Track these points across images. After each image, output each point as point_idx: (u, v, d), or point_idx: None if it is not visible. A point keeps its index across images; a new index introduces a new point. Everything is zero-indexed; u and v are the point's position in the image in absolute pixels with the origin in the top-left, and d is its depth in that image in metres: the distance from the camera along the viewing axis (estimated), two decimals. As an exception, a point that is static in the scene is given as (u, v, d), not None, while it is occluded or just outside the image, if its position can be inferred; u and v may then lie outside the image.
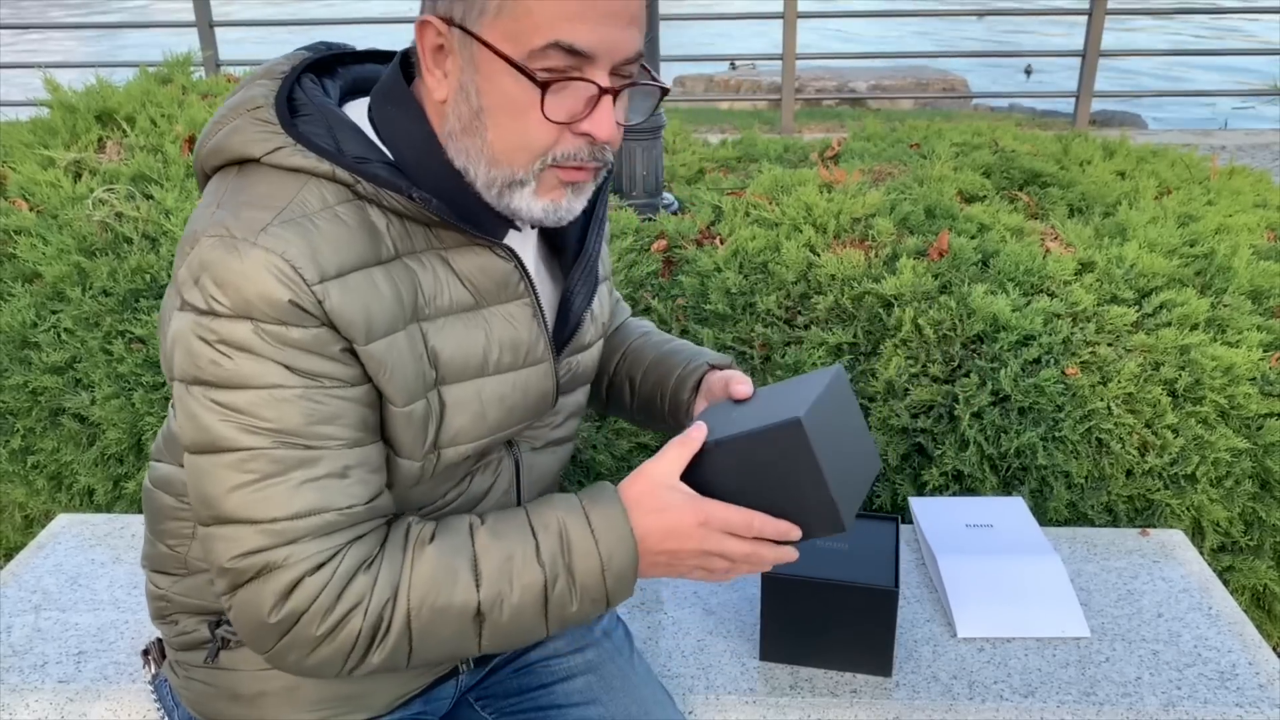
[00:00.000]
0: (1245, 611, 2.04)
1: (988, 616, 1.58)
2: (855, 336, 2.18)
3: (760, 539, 1.03)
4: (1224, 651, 1.52)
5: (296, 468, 0.92)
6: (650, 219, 2.82)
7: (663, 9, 2.99)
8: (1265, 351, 2.05)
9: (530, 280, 1.06)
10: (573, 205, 1.01)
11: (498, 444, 1.11)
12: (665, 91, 1.05)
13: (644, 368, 1.35)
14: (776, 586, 1.46)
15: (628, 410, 1.40)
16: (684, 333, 2.37)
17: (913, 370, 2.10)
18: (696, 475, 1.05)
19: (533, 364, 1.09)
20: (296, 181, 0.94)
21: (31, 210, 2.43)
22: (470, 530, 1.00)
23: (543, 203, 0.98)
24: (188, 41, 8.07)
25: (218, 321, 0.91)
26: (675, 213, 2.96)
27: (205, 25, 7.61)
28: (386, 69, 1.04)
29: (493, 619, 0.98)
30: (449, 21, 0.92)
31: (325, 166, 0.94)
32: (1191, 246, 2.34)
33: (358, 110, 1.03)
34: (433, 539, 0.99)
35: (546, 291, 1.14)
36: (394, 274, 0.97)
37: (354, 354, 0.95)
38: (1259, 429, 2.00)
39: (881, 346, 2.15)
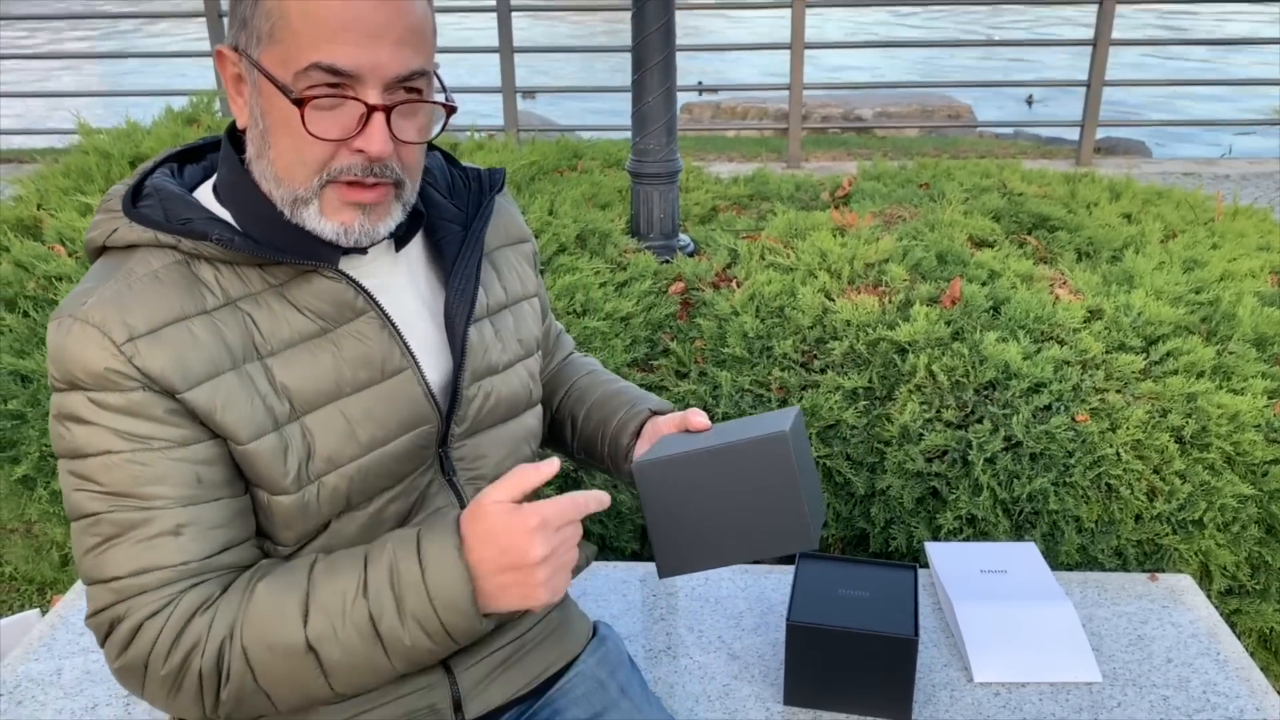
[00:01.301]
0: (1252, 654, 2.10)
1: (1003, 661, 1.63)
2: (870, 381, 2.25)
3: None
4: (1232, 697, 1.58)
5: (131, 529, 0.99)
6: (667, 261, 2.89)
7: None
8: (1270, 399, 2.11)
9: (370, 295, 1.08)
10: (373, 228, 1.04)
11: (390, 464, 1.10)
12: (451, 109, 1.07)
13: (587, 407, 1.37)
14: (800, 634, 1.52)
15: (568, 448, 1.42)
16: (702, 375, 2.43)
17: (927, 415, 2.16)
18: (667, 488, 1.10)
19: (393, 374, 1.10)
20: (126, 256, 1.04)
21: (70, 256, 2.51)
22: (310, 567, 1.04)
23: (332, 224, 1.03)
24: (202, 69, 8.17)
25: (58, 396, 1.01)
26: (691, 254, 3.03)
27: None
28: None
29: (326, 654, 0.99)
30: (237, 50, 1.01)
31: (148, 235, 1.03)
32: (1197, 294, 2.40)
33: (208, 186, 1.11)
34: (267, 577, 1.03)
35: (438, 318, 1.16)
36: (219, 320, 1.03)
37: (183, 413, 1.00)
38: (1264, 475, 2.06)
39: (896, 391, 2.22)
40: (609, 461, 1.34)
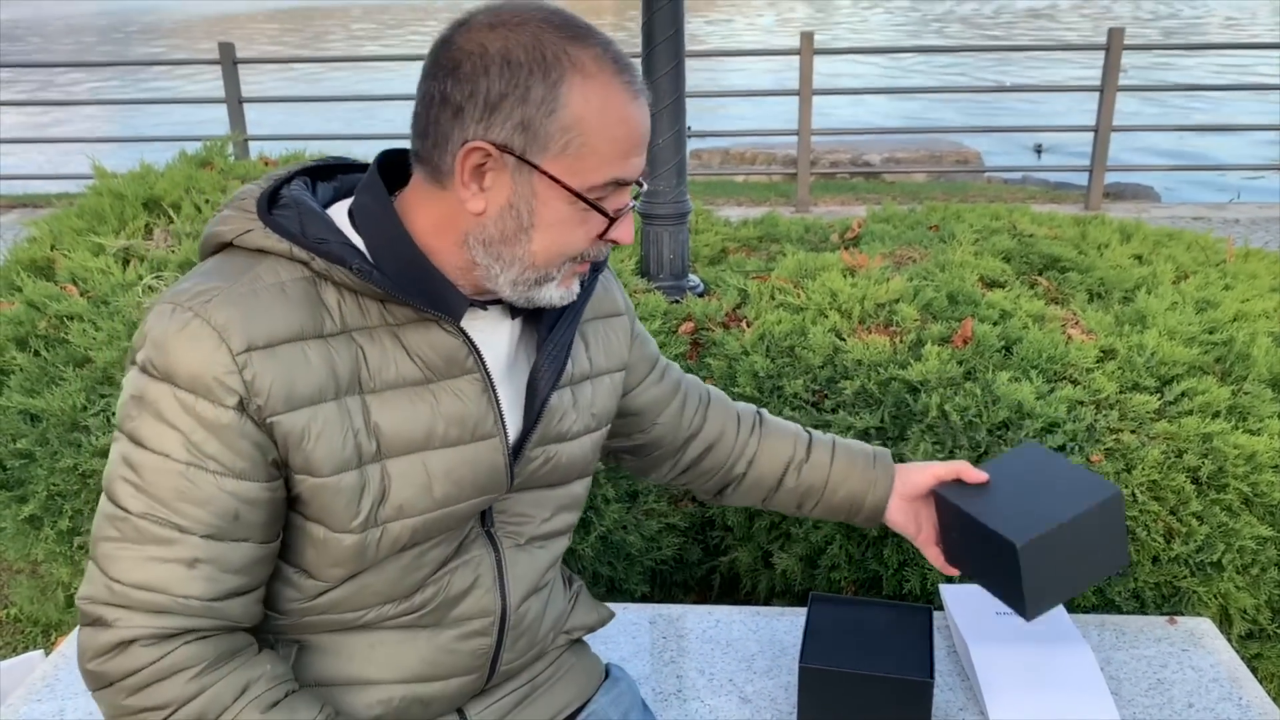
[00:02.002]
0: (1275, 700, 2.05)
1: (1020, 705, 1.60)
2: (882, 421, 2.23)
3: None
4: (1256, 744, 1.54)
5: (151, 543, 0.98)
6: (677, 301, 2.89)
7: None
8: (1287, 439, 2.09)
9: (480, 356, 1.10)
10: (577, 287, 1.13)
11: (451, 522, 1.12)
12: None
13: (821, 495, 1.51)
14: (812, 677, 1.49)
15: (790, 511, 1.55)
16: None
17: (940, 456, 2.14)
18: (1044, 554, 1.37)
19: (481, 439, 1.11)
20: (254, 259, 1.03)
21: (82, 296, 2.52)
22: None
23: (560, 291, 1.09)
24: (216, 115, 8.28)
25: (144, 379, 0.99)
26: (701, 294, 3.03)
27: (235, 101, 7.83)
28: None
29: None
30: (504, 149, 1.00)
31: (284, 246, 1.02)
32: (1211, 334, 2.39)
33: (342, 207, 1.11)
34: (267, 710, 1.02)
35: (523, 373, 1.17)
36: (333, 347, 1.03)
37: (255, 445, 1.00)
38: (1283, 516, 2.03)
39: (908, 432, 2.20)
40: (853, 516, 1.52)
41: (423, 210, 1.06)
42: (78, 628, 1.03)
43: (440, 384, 1.09)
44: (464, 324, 1.10)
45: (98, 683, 1.01)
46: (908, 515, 1.49)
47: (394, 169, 1.12)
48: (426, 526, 1.09)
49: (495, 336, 1.15)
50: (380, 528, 1.06)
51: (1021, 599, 1.40)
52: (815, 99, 7.58)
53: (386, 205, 1.07)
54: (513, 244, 1.04)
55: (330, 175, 1.17)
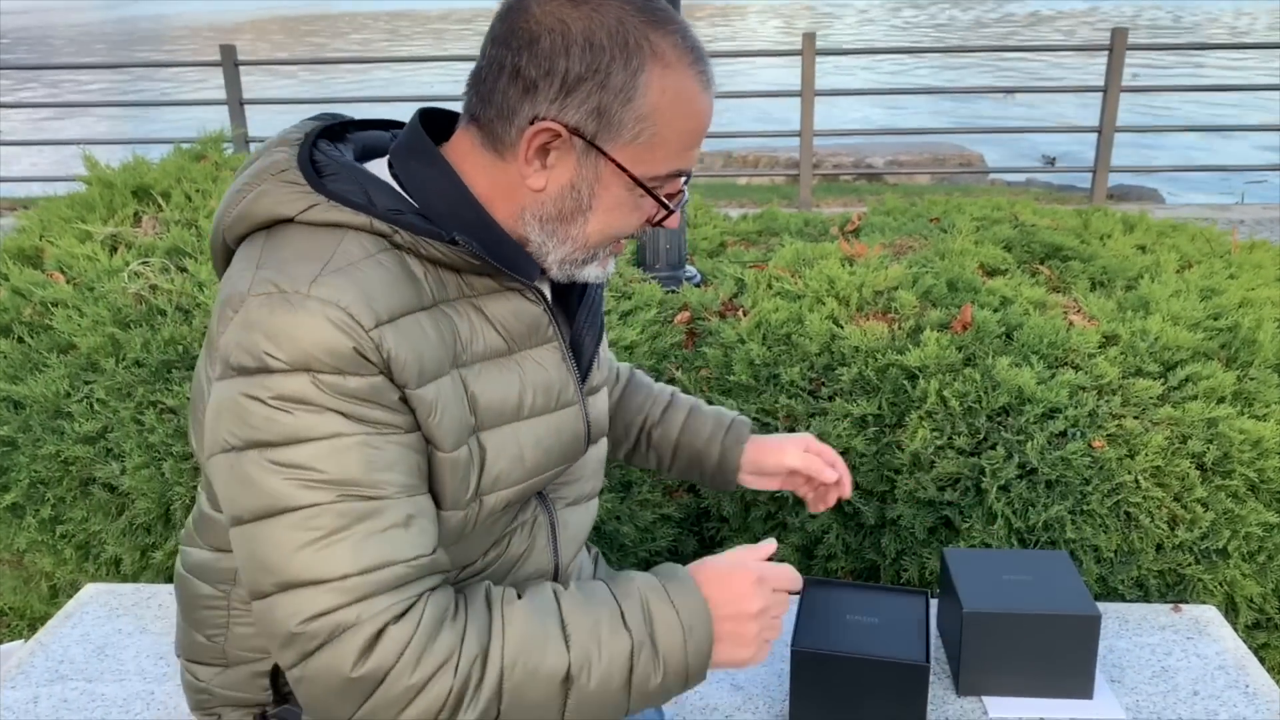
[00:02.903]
0: (1282, 690, 2.00)
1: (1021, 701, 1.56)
2: (880, 408, 2.19)
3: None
4: (1263, 731, 1.50)
5: (361, 520, 0.92)
6: (673, 291, 2.85)
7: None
8: (1293, 425, 2.04)
9: (559, 323, 1.10)
10: (611, 269, 1.13)
11: (534, 490, 1.12)
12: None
13: (675, 439, 1.51)
14: (806, 661, 1.45)
15: (639, 446, 1.54)
16: (709, 404, 2.38)
17: (938, 443, 2.10)
18: (991, 633, 1.50)
19: (564, 406, 1.11)
20: (334, 235, 0.97)
21: (68, 283, 2.48)
22: (555, 594, 1.01)
23: (598, 270, 1.10)
24: (219, 118, 8.27)
25: (273, 378, 0.91)
26: (698, 285, 2.99)
27: (236, 103, 7.82)
28: (401, 131, 1.09)
29: (580, 684, 0.96)
30: (575, 132, 0.98)
31: (362, 219, 0.97)
32: (1215, 320, 2.34)
33: (378, 169, 1.07)
34: (520, 597, 1.00)
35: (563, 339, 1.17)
36: (436, 319, 1.00)
37: (405, 401, 0.97)
38: (1290, 503, 1.98)
39: (906, 419, 2.16)
40: (707, 471, 1.51)
41: (478, 176, 1.04)
42: (303, 662, 0.92)
43: (523, 353, 1.08)
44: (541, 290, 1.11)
45: (364, 691, 0.91)
46: (764, 483, 1.53)
47: (425, 127, 1.09)
48: (519, 495, 1.09)
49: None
50: (479, 501, 1.05)
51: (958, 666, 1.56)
52: (819, 106, 7.55)
53: (447, 170, 1.03)
54: (569, 223, 1.03)
55: (339, 135, 1.12)
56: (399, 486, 0.95)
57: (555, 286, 1.18)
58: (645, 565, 2.39)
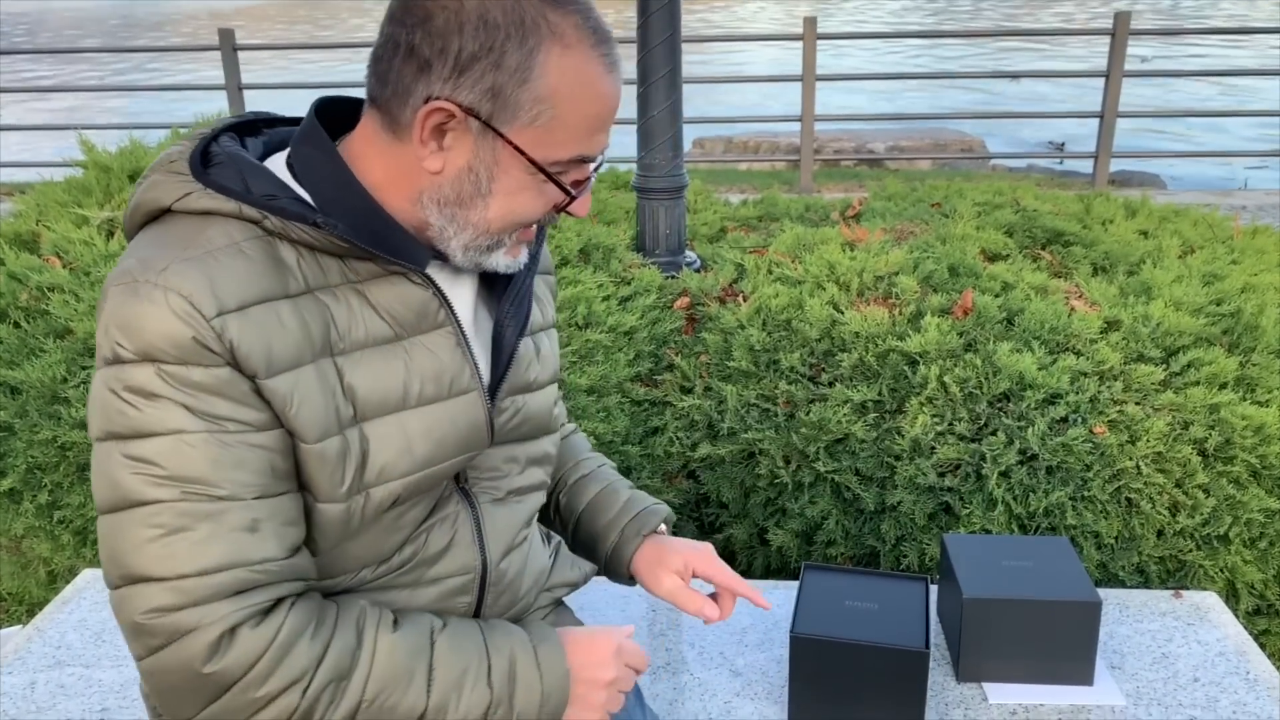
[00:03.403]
0: (1283, 676, 2.00)
1: (1021, 687, 1.55)
2: (880, 394, 2.18)
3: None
4: (1264, 718, 1.49)
5: (202, 520, 0.91)
6: (673, 276, 2.84)
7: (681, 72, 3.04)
8: (1296, 411, 2.03)
9: (451, 308, 1.06)
10: (524, 255, 1.09)
11: (433, 482, 1.08)
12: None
13: (589, 499, 1.38)
14: (805, 648, 1.44)
15: (549, 517, 1.43)
16: (707, 390, 2.37)
17: (939, 428, 2.09)
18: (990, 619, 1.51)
19: (459, 394, 1.06)
20: (202, 223, 0.95)
21: (64, 267, 2.47)
22: (431, 632, 1.01)
23: (508, 259, 1.05)
24: (218, 102, 8.23)
25: (124, 369, 0.91)
26: (697, 270, 2.97)
27: (235, 88, 7.79)
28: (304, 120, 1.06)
29: None
30: (470, 112, 0.95)
31: (231, 205, 0.95)
32: (1218, 305, 2.33)
33: (278, 161, 1.05)
34: (395, 628, 0.99)
35: (485, 329, 1.14)
36: (303, 308, 0.97)
37: (259, 394, 0.94)
38: (1292, 489, 1.98)
39: (907, 404, 2.15)
40: (601, 557, 1.38)
41: (376, 160, 1.01)
42: (151, 656, 0.91)
43: (412, 340, 1.04)
44: (432, 275, 1.05)
45: (215, 693, 0.91)
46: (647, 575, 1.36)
47: (330, 117, 1.06)
48: (409, 489, 1.04)
49: (459, 289, 1.10)
50: (364, 494, 1.01)
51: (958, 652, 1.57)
52: (820, 91, 7.52)
53: (333, 155, 1.01)
54: (468, 208, 1.00)
55: (255, 131, 1.10)
56: (246, 487, 0.93)
57: (490, 273, 1.15)
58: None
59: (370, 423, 1.01)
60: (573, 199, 1.02)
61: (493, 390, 1.12)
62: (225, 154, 1.00)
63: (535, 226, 1.06)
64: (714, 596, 1.32)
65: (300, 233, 0.97)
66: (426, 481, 1.06)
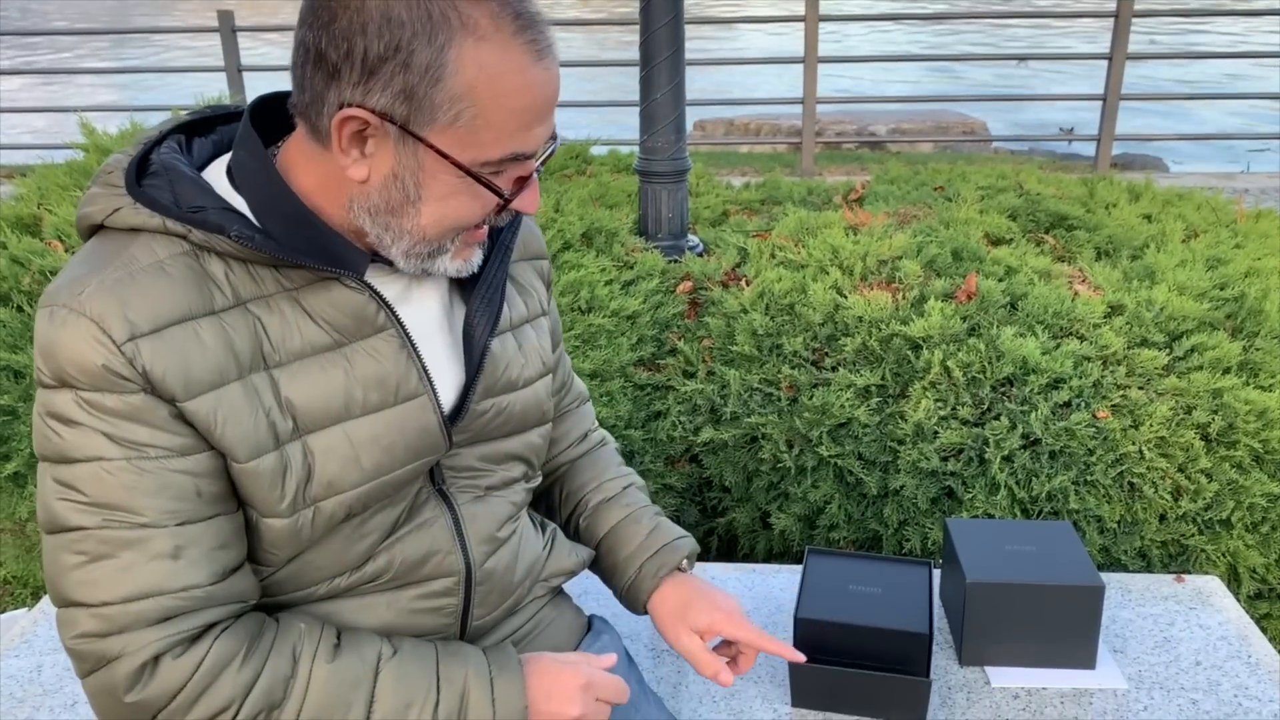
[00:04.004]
0: (1284, 660, 2.01)
1: (1023, 671, 1.56)
2: (883, 378, 2.18)
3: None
4: (1265, 701, 1.50)
5: (124, 548, 0.90)
6: (675, 261, 2.83)
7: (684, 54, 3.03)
8: (1299, 395, 2.04)
9: (393, 311, 1.01)
10: (477, 258, 1.04)
11: (389, 490, 1.04)
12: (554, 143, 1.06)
13: (612, 527, 1.34)
14: (808, 629, 1.45)
15: (562, 524, 1.39)
16: (710, 374, 2.37)
17: (942, 413, 2.09)
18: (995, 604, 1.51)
19: (406, 399, 1.02)
20: (126, 240, 0.93)
21: (66, 251, 2.47)
22: (377, 661, 0.99)
23: (456, 263, 1.01)
24: (218, 85, 8.21)
25: (47, 395, 0.90)
26: (700, 254, 2.97)
27: (234, 70, 7.76)
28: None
29: None
30: (385, 117, 0.90)
31: (156, 221, 0.92)
32: (1221, 290, 2.33)
33: (220, 165, 1.01)
34: (333, 659, 0.97)
35: (456, 328, 1.10)
36: (228, 324, 0.94)
37: (182, 418, 0.92)
38: (1294, 474, 1.98)
39: (910, 389, 2.15)
40: (618, 589, 1.34)
41: (307, 167, 0.96)
42: (86, 679, 0.92)
43: (352, 346, 0.99)
44: (378, 281, 1.01)
45: (145, 718, 0.91)
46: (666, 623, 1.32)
47: (275, 115, 1.01)
48: (362, 499, 1.01)
49: (416, 288, 1.06)
50: (311, 507, 0.98)
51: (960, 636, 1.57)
52: (822, 74, 7.49)
53: (264, 160, 0.97)
54: (399, 215, 0.95)
55: (209, 127, 1.05)
56: (167, 514, 0.91)
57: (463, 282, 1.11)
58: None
59: (313, 435, 0.98)
60: (507, 202, 0.97)
61: (465, 392, 1.08)
62: (160, 164, 0.97)
63: (484, 228, 1.01)
64: (726, 644, 1.29)
65: (225, 244, 0.93)
66: (379, 490, 1.03)
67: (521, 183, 0.98)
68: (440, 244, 0.98)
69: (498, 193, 0.95)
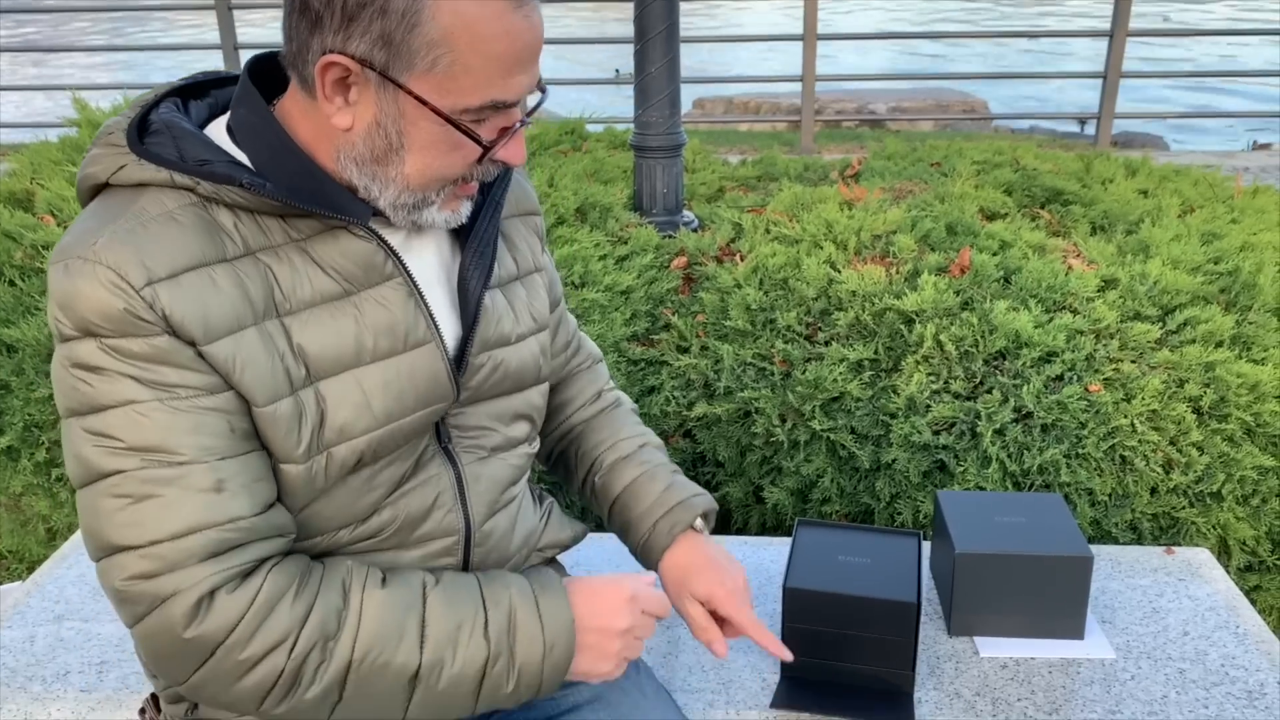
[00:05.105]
0: (1274, 631, 2.01)
1: (1011, 641, 1.57)
2: (876, 353, 2.18)
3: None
4: (1252, 670, 1.50)
5: (166, 486, 0.91)
6: (670, 236, 2.83)
7: (680, 31, 3.01)
8: (1291, 369, 2.03)
9: (400, 259, 1.03)
10: (465, 209, 1.06)
11: (400, 438, 1.06)
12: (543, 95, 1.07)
13: (613, 499, 1.34)
14: (796, 599, 1.45)
15: (575, 486, 1.41)
16: (704, 349, 2.37)
17: (934, 387, 2.09)
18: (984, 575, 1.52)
19: (415, 346, 1.05)
20: (134, 195, 0.95)
21: (59, 226, 2.46)
22: (423, 588, 1.01)
23: (444, 214, 1.03)
24: (214, 63, 8.16)
25: (69, 346, 0.91)
26: (695, 230, 2.96)
27: (230, 48, 7.72)
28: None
29: (428, 684, 0.97)
30: (365, 63, 0.92)
31: (163, 174, 0.94)
32: (1216, 264, 2.33)
33: (220, 124, 1.03)
34: (383, 586, 0.99)
35: (452, 281, 1.12)
36: (241, 271, 0.96)
37: (204, 359, 0.93)
38: (1286, 447, 1.98)
39: (903, 363, 2.15)
40: (632, 545, 1.35)
41: (302, 120, 0.99)
42: (138, 624, 0.93)
43: (362, 294, 1.02)
44: (380, 229, 1.03)
45: (201, 656, 0.92)
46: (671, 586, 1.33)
47: (271, 75, 1.03)
48: (374, 446, 1.03)
49: (421, 241, 1.08)
50: (325, 453, 1.00)
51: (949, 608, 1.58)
52: (821, 52, 7.45)
53: (265, 114, 0.99)
54: (384, 164, 0.97)
55: (203, 92, 1.08)
56: (206, 450, 0.93)
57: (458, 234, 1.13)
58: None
59: (325, 381, 1.00)
60: (487, 150, 0.98)
61: (463, 345, 1.10)
62: (161, 122, 0.99)
63: (473, 182, 1.03)
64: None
65: (233, 195, 0.95)
66: (391, 438, 1.05)
67: (505, 133, 0.99)
68: (425, 195, 1.00)
69: (478, 140, 0.97)
